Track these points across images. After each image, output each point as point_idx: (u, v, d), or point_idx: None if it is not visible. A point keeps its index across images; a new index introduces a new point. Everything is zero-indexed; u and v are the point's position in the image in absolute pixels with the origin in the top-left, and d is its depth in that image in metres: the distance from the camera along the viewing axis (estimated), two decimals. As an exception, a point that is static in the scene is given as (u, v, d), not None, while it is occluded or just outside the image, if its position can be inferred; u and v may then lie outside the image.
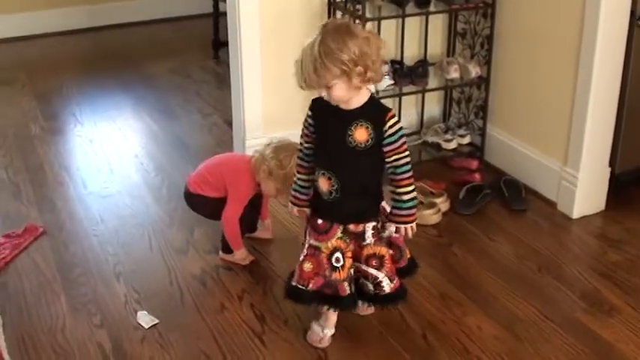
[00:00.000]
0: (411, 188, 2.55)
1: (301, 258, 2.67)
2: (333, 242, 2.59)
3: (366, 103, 2.45)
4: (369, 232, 2.61)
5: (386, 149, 2.47)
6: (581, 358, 2.73)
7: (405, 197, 2.55)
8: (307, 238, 2.67)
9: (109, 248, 3.45)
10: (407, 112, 4.31)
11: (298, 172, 2.69)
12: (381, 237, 2.64)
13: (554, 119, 3.66)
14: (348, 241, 2.61)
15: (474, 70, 3.96)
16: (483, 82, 4.01)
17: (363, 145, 2.44)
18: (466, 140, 4.18)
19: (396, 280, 2.68)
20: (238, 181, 3.18)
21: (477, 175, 3.90)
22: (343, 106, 2.44)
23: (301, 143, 2.65)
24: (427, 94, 4.25)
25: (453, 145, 4.15)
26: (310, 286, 2.65)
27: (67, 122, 4.85)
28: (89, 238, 3.54)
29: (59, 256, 3.41)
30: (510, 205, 3.71)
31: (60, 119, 4.90)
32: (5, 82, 5.53)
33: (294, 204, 2.72)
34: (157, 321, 2.96)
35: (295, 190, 2.71)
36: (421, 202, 3.61)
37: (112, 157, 4.38)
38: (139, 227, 3.63)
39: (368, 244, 2.61)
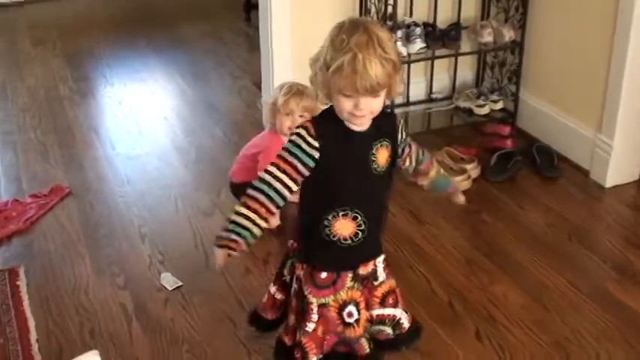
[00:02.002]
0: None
1: (308, 327, 2.15)
2: (342, 294, 2.13)
3: (374, 118, 1.98)
4: (380, 268, 2.21)
5: (404, 154, 2.16)
6: (609, 330, 2.67)
7: (442, 171, 2.36)
8: (307, 297, 2.14)
9: (134, 210, 3.44)
10: (439, 77, 4.24)
11: (256, 213, 1.99)
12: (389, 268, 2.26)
13: (588, 85, 3.56)
14: (360, 289, 2.16)
15: (508, 34, 3.87)
16: (517, 46, 3.92)
17: (384, 168, 2.04)
18: (499, 106, 4.10)
19: (408, 312, 2.32)
20: (268, 146, 3.13)
21: (509, 142, 3.83)
22: (356, 128, 1.97)
23: (280, 180, 1.98)
24: (460, 59, 4.17)
25: (485, 110, 4.07)
26: (324, 349, 2.20)
27: (97, 83, 4.83)
28: (115, 199, 3.53)
29: (84, 216, 3.40)
30: (542, 173, 3.63)
31: (90, 80, 4.88)
32: (37, 42, 5.54)
33: (231, 248, 2.04)
34: (180, 283, 2.94)
35: (238, 234, 2.01)
36: (451, 168, 3.55)
37: (141, 118, 4.35)
38: (166, 189, 3.61)
39: (382, 282, 2.22)
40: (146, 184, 3.65)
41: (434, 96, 4.25)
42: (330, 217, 2.04)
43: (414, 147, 2.19)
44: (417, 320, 2.39)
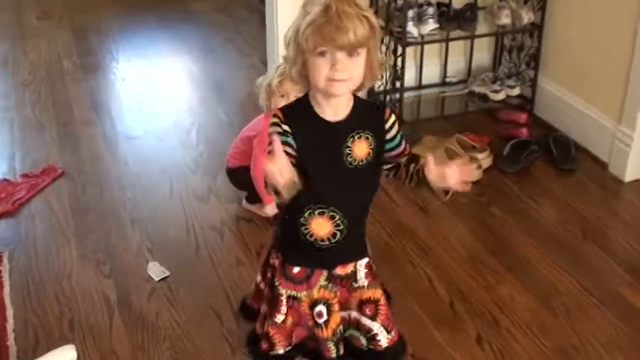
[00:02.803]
0: None
1: (277, 318, 1.99)
2: (314, 292, 1.96)
3: (354, 107, 1.82)
4: (361, 272, 1.98)
5: (390, 155, 1.90)
6: (620, 338, 2.48)
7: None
8: (277, 287, 1.98)
9: (127, 193, 3.29)
10: (453, 59, 4.04)
11: None
12: (374, 275, 2.02)
13: (610, 73, 3.35)
14: (335, 289, 1.98)
15: (527, 16, 3.66)
16: (536, 29, 3.71)
17: (365, 162, 1.82)
18: (515, 92, 3.89)
19: (394, 331, 2.05)
20: (263, 130, 2.96)
21: (525, 130, 3.63)
22: (330, 118, 1.80)
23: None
24: (476, 41, 3.96)
25: (500, 96, 3.87)
26: (292, 341, 2.05)
27: (101, 59, 4.67)
28: (109, 181, 3.39)
29: (75, 199, 3.26)
30: (558, 164, 3.43)
31: (95, 56, 4.72)
32: (43, 15, 5.37)
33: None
34: (167, 273, 2.80)
35: None
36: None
37: (143, 96, 4.20)
38: (162, 172, 3.45)
39: (361, 286, 1.99)
40: (142, 166, 3.50)
41: (448, 79, 4.06)
42: (306, 215, 1.86)
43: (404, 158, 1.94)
44: (404, 342, 2.09)
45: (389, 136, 1.86)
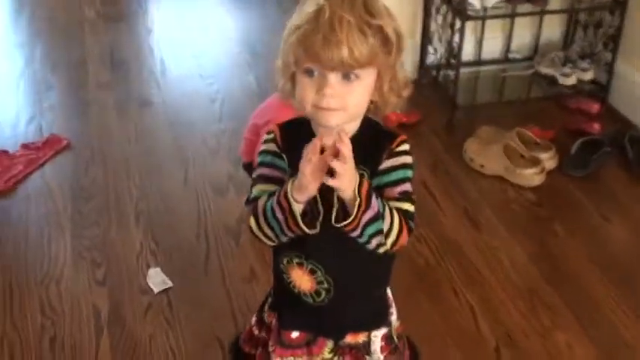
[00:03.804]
0: (392, 221, 1.35)
1: None
2: None
3: (358, 135, 1.37)
4: (376, 344, 1.57)
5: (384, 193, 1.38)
6: None
7: (385, 212, 1.34)
8: (272, 354, 1.58)
9: (135, 177, 2.90)
10: (519, 33, 3.53)
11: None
12: (394, 348, 1.60)
13: None
14: None
15: (609, -9, 3.13)
16: (619, 6, 3.17)
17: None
18: (588, 76, 3.36)
19: None
20: (275, 117, 2.48)
21: (596, 125, 3.13)
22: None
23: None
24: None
25: (571, 80, 3.35)
26: None
27: (127, 8, 4.23)
28: (116, 159, 3.01)
29: (77, 179, 2.89)
30: (634, 169, 2.94)
31: (120, 3, 4.28)
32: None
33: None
34: (169, 284, 2.41)
35: None
36: (521, 156, 2.89)
37: (167, 54, 3.76)
38: (177, 150, 3.05)
39: None
40: (155, 142, 3.10)
41: (512, 55, 3.55)
42: (285, 262, 1.48)
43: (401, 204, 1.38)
44: None
45: (383, 166, 1.37)
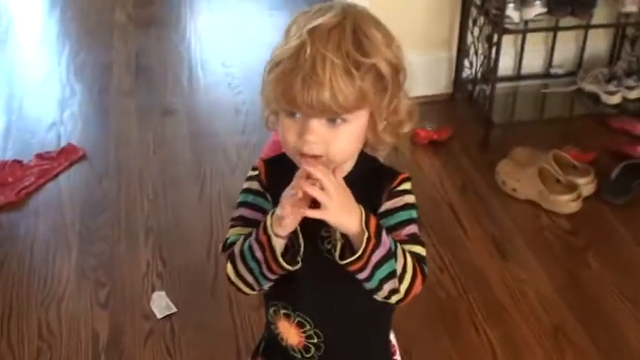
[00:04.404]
0: (406, 263, 1.18)
1: None
2: None
3: (353, 173, 1.23)
4: None
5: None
6: None
7: (398, 254, 1.18)
8: None
9: (149, 190, 2.79)
10: (562, 46, 3.34)
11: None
12: None
13: None
14: None
15: (659, 5, 2.93)
16: (669, 20, 2.98)
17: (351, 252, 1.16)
18: (634, 94, 3.16)
19: None
20: None
21: (641, 148, 2.94)
22: None
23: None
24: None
25: (616, 99, 3.16)
26: None
27: (159, 12, 4.12)
28: (131, 171, 2.90)
29: (89, 193, 2.79)
30: (678, 199, 2.75)
31: (154, 6, 4.18)
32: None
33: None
34: (173, 310, 2.29)
35: None
36: (557, 180, 2.71)
37: (196, 62, 3.65)
38: (195, 163, 2.93)
39: None
40: (174, 153, 3.00)
41: (553, 71, 3.37)
42: (271, 312, 1.33)
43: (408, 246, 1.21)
44: None
45: (384, 208, 1.22)
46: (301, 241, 1.16)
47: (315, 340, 1.30)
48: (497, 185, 2.79)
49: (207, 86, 3.46)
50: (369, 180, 1.23)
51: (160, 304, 2.31)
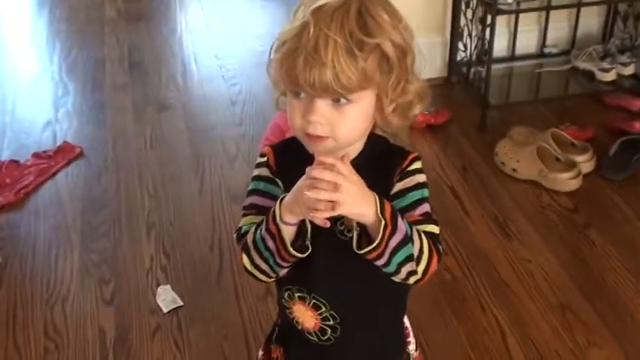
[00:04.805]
0: (422, 244, 1.18)
1: None
2: None
3: (363, 154, 1.23)
4: None
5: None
6: None
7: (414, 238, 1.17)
8: None
9: (149, 185, 2.78)
10: (555, 26, 3.35)
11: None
12: None
13: None
14: None
15: (650, -20, 2.94)
16: (662, -5, 2.98)
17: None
18: (629, 70, 3.18)
19: None
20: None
21: (637, 124, 2.94)
22: None
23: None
24: (584, 4, 3.25)
25: (610, 76, 3.16)
26: None
27: (149, 6, 4.11)
28: (129, 166, 2.89)
29: (88, 190, 2.79)
30: (678, 173, 2.76)
31: (142, 1, 4.16)
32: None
33: None
34: (180, 303, 2.28)
35: None
36: (556, 159, 2.71)
37: (189, 56, 3.64)
38: (194, 156, 2.93)
39: None
40: (172, 148, 2.99)
41: (547, 50, 3.37)
42: (286, 296, 1.32)
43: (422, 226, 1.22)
44: None
45: (396, 189, 1.22)
46: (308, 224, 1.16)
47: (331, 322, 1.29)
48: (496, 166, 2.79)
49: (202, 79, 3.45)
50: (379, 161, 1.23)
51: (166, 298, 2.30)
